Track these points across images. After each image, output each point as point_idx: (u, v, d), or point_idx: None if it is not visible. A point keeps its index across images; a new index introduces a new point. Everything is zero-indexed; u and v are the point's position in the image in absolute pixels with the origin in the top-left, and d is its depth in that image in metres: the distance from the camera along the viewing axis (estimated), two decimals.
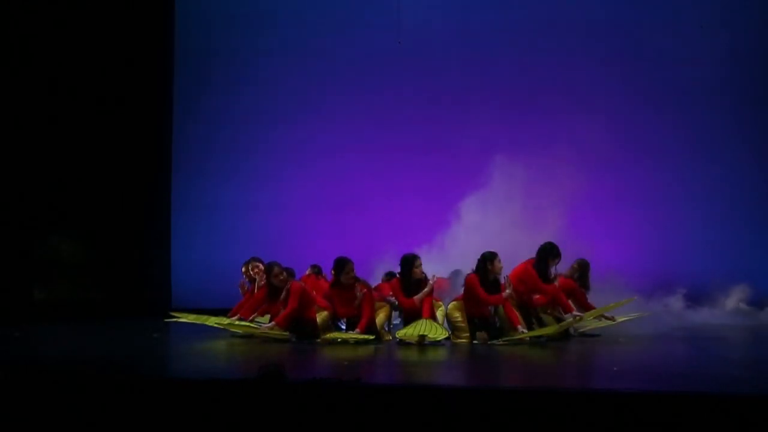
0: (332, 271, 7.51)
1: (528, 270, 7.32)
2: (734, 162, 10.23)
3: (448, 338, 7.11)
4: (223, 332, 7.79)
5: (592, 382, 5.25)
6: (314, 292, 7.61)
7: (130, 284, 10.74)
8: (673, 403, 3.98)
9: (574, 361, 6.35)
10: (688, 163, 10.31)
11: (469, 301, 7.13)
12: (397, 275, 7.52)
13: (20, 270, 10.16)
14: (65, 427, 4.36)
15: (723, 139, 10.24)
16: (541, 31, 10.53)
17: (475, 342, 7.01)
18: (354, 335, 7.06)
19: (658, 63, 10.38)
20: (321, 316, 7.31)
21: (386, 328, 7.53)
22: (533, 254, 7.44)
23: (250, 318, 7.60)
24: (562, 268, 7.63)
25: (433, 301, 7.38)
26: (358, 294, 7.21)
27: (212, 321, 7.91)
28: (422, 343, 6.83)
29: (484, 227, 9.11)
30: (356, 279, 7.30)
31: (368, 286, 7.41)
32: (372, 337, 7.06)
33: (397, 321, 7.83)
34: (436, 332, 6.94)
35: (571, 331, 7.65)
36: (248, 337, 7.52)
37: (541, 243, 7.47)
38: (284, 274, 7.55)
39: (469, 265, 7.26)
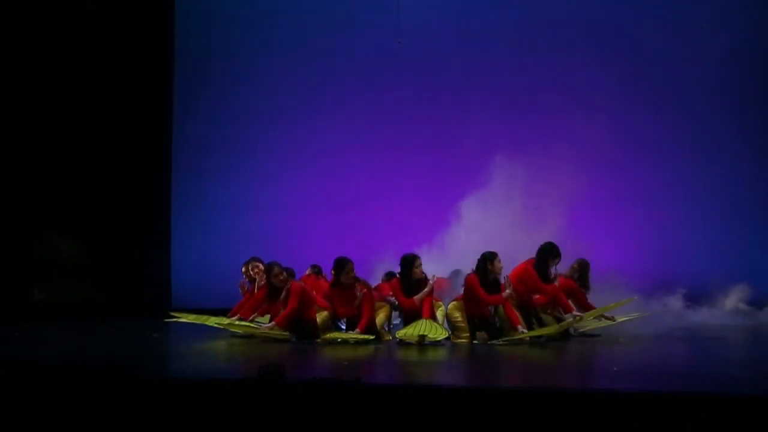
0: (332, 271, 7.51)
1: (528, 270, 7.32)
2: (734, 162, 10.23)
3: (448, 338, 7.11)
4: (223, 332, 7.79)
5: (592, 382, 5.26)
6: (314, 292, 7.61)
7: (130, 284, 10.74)
8: (673, 403, 3.98)
9: (574, 361, 6.35)
10: (688, 163, 10.31)
11: (469, 301, 7.13)
12: (397, 275, 7.52)
13: (20, 270, 10.16)
14: (65, 427, 4.36)
15: (723, 139, 10.24)
16: (541, 31, 10.52)
17: (475, 342, 7.02)
18: (354, 335, 7.06)
19: (658, 63, 10.37)
20: (321, 316, 7.31)
21: (386, 328, 7.53)
22: (533, 254, 7.44)
23: (250, 318, 7.60)
24: (562, 268, 7.63)
25: (433, 301, 7.38)
26: (358, 294, 7.21)
27: (212, 321, 7.91)
28: (422, 343, 6.83)
29: (484, 227, 9.11)
30: (356, 279, 7.30)
31: (368, 286, 7.41)
32: (372, 337, 7.06)
33: (397, 321, 7.83)
34: (436, 332, 6.94)
35: (571, 331, 7.64)
36: (248, 337, 7.52)
37: (541, 243, 7.47)
38: (284, 274, 7.55)
39: (469, 265, 7.26)
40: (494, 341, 6.90)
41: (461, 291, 7.28)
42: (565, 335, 7.47)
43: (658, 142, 10.34)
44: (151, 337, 7.78)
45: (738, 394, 4.13)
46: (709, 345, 7.08)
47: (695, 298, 9.40)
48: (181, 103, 11.25)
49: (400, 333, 7.09)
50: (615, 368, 5.46)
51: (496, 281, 7.14)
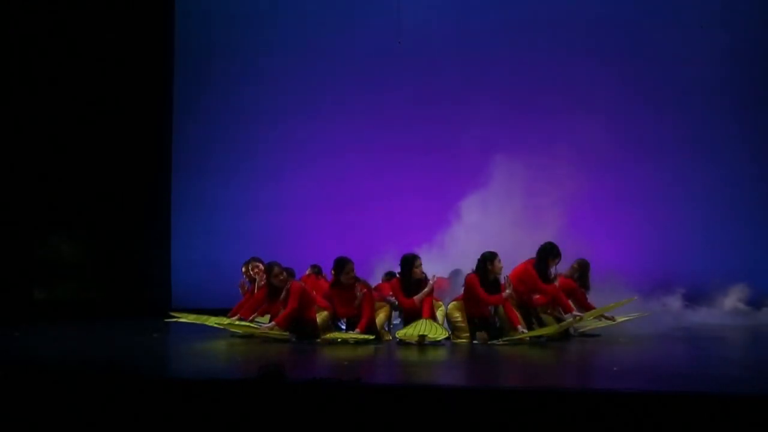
0: (332, 271, 7.51)
1: (528, 270, 7.32)
2: (734, 162, 10.23)
3: (448, 338, 7.11)
4: (223, 332, 7.79)
5: (592, 382, 5.26)
6: (314, 292, 7.61)
7: (130, 284, 10.74)
8: (673, 403, 3.98)
9: (574, 361, 6.35)
10: (688, 163, 10.31)
11: (469, 301, 7.13)
12: (397, 275, 7.52)
13: (20, 270, 10.16)
14: (65, 427, 4.36)
15: (723, 139, 10.24)
16: (540, 31, 10.53)
17: (475, 342, 7.02)
18: (354, 335, 7.06)
19: (658, 63, 10.38)
20: (321, 316, 7.32)
21: (386, 328, 7.53)
22: (533, 254, 7.44)
23: (250, 318, 7.60)
24: (562, 268, 7.63)
25: (433, 301, 7.38)
26: (358, 294, 7.21)
27: (212, 321, 7.91)
28: (422, 343, 6.83)
29: (484, 227, 9.12)
30: (356, 279, 7.30)
31: (368, 286, 7.41)
32: (372, 337, 7.06)
33: (397, 321, 7.83)
34: (436, 332, 6.94)
35: (571, 331, 7.64)
36: (248, 337, 7.52)
37: (542, 243, 7.47)
38: (284, 274, 7.55)
39: (469, 265, 7.26)
40: (494, 341, 6.90)
41: (461, 291, 7.28)
42: (565, 335, 7.47)
43: (658, 142, 10.34)
44: (151, 337, 7.78)
45: (738, 394, 4.13)
46: (709, 345, 7.08)
47: (694, 297, 9.40)
48: (181, 103, 11.25)
49: (400, 333, 7.09)
50: (615, 368, 5.46)
51: (496, 281, 7.14)
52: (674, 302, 9.24)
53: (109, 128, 10.64)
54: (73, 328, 8.74)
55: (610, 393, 4.20)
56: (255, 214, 10.80)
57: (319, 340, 7.16)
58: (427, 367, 5.84)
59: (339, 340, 7.11)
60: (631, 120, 10.22)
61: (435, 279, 7.38)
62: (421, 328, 6.92)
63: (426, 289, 7.26)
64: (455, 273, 8.07)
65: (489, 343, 6.90)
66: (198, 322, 8.01)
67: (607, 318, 7.62)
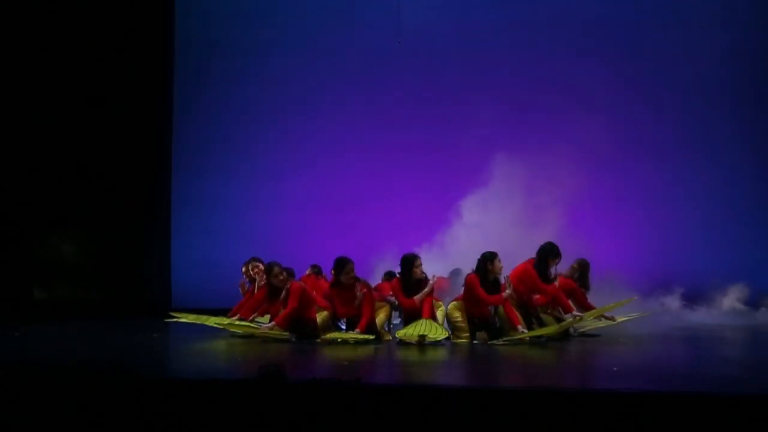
0: (332, 271, 7.51)
1: (528, 270, 7.32)
2: (734, 162, 10.24)
3: (448, 338, 7.11)
4: (223, 332, 7.79)
5: (592, 382, 5.26)
6: (314, 292, 7.61)
7: (130, 284, 10.74)
8: (673, 403, 3.98)
9: (574, 361, 6.35)
10: (688, 163, 10.32)
11: (469, 301, 7.13)
12: (397, 275, 7.52)
13: (20, 270, 10.16)
14: (65, 427, 4.36)
15: (723, 139, 10.25)
16: (540, 31, 10.53)
17: (475, 342, 7.02)
18: (354, 335, 7.06)
19: (658, 62, 10.39)
20: (321, 316, 7.32)
21: (386, 328, 7.53)
22: (533, 254, 7.44)
23: (250, 318, 7.61)
24: (562, 268, 7.63)
25: (433, 301, 7.38)
26: (358, 294, 7.20)
27: (212, 321, 7.91)
28: (422, 343, 6.83)
29: (484, 226, 9.12)
30: (356, 279, 7.30)
31: (368, 286, 7.40)
32: (372, 337, 7.06)
33: (397, 321, 7.83)
34: (436, 332, 6.94)
35: (571, 331, 7.65)
36: (248, 337, 7.52)
37: (542, 242, 7.47)
38: (284, 274, 7.54)
39: (469, 265, 7.25)
40: (494, 341, 6.90)
41: (461, 291, 7.28)
42: (565, 335, 7.48)
43: (658, 142, 10.35)
44: (151, 337, 7.78)
45: (738, 394, 4.13)
46: (709, 345, 7.09)
47: (694, 297, 9.41)
48: (181, 103, 11.25)
49: (400, 333, 7.09)
50: (615, 368, 5.46)
51: (496, 281, 7.14)
52: (674, 302, 9.25)
53: (109, 128, 10.64)
54: (73, 328, 8.73)
55: (610, 393, 4.20)
56: (255, 214, 10.81)
57: (319, 340, 7.16)
58: (427, 367, 5.84)
59: (339, 340, 7.11)
60: (631, 120, 10.23)
61: (435, 279, 7.38)
62: (421, 328, 6.92)
63: (426, 289, 7.25)
64: (455, 273, 8.08)
65: (489, 343, 6.90)
66: (198, 322, 8.01)
67: (607, 318, 7.62)
